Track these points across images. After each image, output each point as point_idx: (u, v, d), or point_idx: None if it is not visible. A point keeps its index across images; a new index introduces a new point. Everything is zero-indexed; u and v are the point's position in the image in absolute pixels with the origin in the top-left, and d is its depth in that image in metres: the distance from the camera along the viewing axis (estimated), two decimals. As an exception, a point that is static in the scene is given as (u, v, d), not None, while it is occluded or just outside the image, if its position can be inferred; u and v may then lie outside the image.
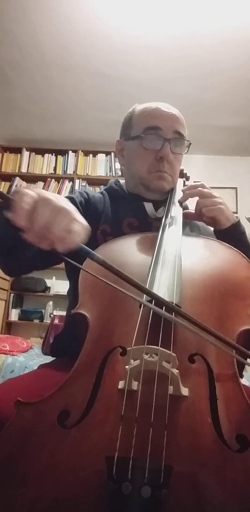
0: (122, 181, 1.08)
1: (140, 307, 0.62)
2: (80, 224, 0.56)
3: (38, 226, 0.51)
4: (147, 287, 0.63)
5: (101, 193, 1.05)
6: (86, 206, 0.98)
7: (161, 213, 0.95)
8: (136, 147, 0.96)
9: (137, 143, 0.96)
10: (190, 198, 0.94)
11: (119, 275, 0.54)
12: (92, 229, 0.91)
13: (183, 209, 0.95)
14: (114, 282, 0.56)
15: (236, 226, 0.89)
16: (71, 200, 0.95)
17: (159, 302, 0.57)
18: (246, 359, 0.58)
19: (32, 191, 0.54)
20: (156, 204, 0.97)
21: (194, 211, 0.92)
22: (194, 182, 1.06)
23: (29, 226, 0.52)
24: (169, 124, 0.94)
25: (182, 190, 0.96)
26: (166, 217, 0.89)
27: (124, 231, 0.92)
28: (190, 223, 1.01)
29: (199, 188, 0.91)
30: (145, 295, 0.60)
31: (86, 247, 0.55)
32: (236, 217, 0.92)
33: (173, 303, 0.60)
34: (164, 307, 0.57)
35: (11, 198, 0.52)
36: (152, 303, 0.60)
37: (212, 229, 0.97)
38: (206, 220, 0.90)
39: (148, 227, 0.93)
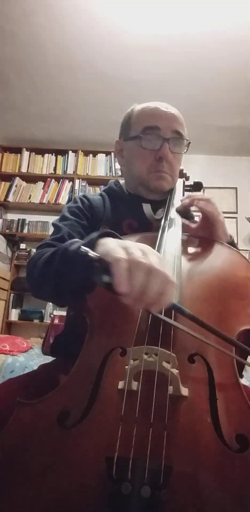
0: (122, 182, 1.08)
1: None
2: (170, 282, 0.53)
3: (135, 291, 0.50)
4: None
5: (101, 194, 1.05)
6: (90, 210, 0.98)
7: (159, 214, 0.95)
8: (135, 147, 0.96)
9: (136, 143, 0.95)
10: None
11: (208, 328, 0.54)
12: (93, 231, 0.92)
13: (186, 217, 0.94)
14: None
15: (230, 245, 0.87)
16: (78, 208, 0.96)
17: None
18: (245, 360, 0.58)
19: (117, 248, 0.53)
20: (155, 205, 0.97)
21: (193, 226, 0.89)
22: (193, 186, 1.06)
23: (128, 293, 0.50)
24: (168, 124, 0.93)
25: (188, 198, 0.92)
26: (166, 217, 0.89)
27: (124, 232, 0.92)
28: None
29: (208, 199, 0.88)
30: None
31: (177, 304, 0.55)
32: (230, 236, 0.90)
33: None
34: (163, 311, 0.57)
35: (109, 263, 0.51)
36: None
37: None
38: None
39: (147, 228, 0.93)
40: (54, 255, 0.72)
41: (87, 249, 0.54)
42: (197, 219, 0.94)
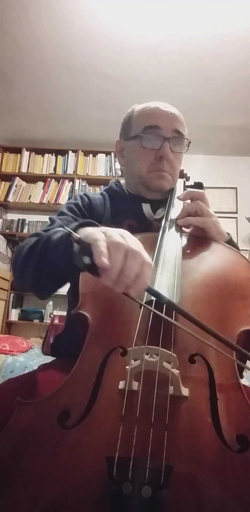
0: (122, 182, 1.08)
1: (141, 308, 0.62)
2: (148, 264, 0.54)
3: (114, 271, 0.51)
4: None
5: (102, 194, 1.05)
6: (89, 209, 0.98)
7: (159, 214, 0.95)
8: (135, 146, 0.96)
9: (137, 143, 0.95)
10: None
11: (189, 318, 0.55)
12: None
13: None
14: None
15: (228, 243, 0.85)
16: (76, 205, 0.97)
17: (159, 296, 0.57)
18: (245, 362, 0.58)
19: (97, 232, 0.54)
20: (155, 205, 0.97)
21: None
22: (193, 186, 1.06)
23: (108, 270, 0.51)
24: (168, 123, 0.94)
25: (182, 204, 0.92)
26: (166, 217, 0.89)
27: None
28: None
29: (199, 203, 0.86)
30: (145, 293, 0.60)
31: (154, 288, 0.56)
32: (228, 234, 0.89)
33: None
34: (164, 309, 0.57)
35: (89, 244, 0.52)
36: (151, 304, 0.60)
37: None
38: (194, 232, 0.87)
39: (147, 228, 0.93)
40: (38, 242, 0.75)
41: (70, 230, 0.55)
42: None
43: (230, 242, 0.86)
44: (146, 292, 0.60)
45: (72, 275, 0.69)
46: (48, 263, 0.71)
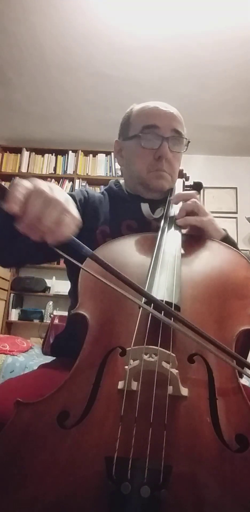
0: (122, 182, 1.08)
1: (140, 308, 0.62)
2: (71, 216, 0.55)
3: (29, 216, 0.52)
4: (146, 287, 0.64)
5: (102, 193, 1.05)
6: (85, 205, 0.98)
7: (158, 213, 0.95)
8: (134, 146, 0.96)
9: (135, 143, 0.95)
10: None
11: (113, 273, 0.55)
12: (91, 228, 0.92)
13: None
14: (114, 283, 0.56)
15: (225, 240, 0.86)
16: (72, 197, 0.96)
17: (157, 304, 0.57)
18: (243, 368, 0.57)
19: (28, 182, 0.54)
20: (154, 204, 0.97)
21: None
22: (192, 186, 1.06)
23: (21, 216, 0.52)
24: (167, 123, 0.93)
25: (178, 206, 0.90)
26: (165, 217, 0.89)
27: (123, 233, 0.92)
28: None
29: (195, 202, 0.86)
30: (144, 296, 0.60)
31: (76, 240, 0.55)
32: (224, 230, 0.90)
33: (172, 303, 0.60)
34: (163, 312, 0.57)
35: (5, 188, 0.52)
36: (150, 305, 0.60)
37: None
38: (192, 231, 0.87)
39: (146, 228, 0.93)
40: None
41: None
42: None
43: (227, 238, 0.86)
44: (146, 289, 0.60)
45: (14, 242, 0.69)
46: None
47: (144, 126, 0.94)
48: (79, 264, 0.59)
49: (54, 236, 0.54)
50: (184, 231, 0.87)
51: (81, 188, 1.04)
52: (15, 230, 0.54)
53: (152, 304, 0.60)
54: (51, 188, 0.55)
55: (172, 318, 0.57)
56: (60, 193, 0.55)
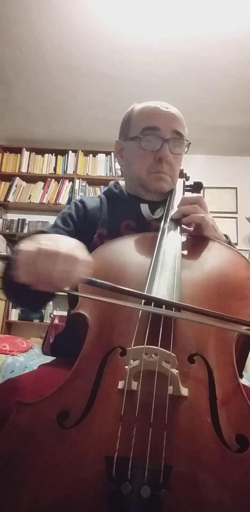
0: (122, 183, 1.08)
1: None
2: (80, 261, 0.58)
3: (41, 278, 0.55)
4: (146, 287, 0.64)
5: (99, 197, 1.05)
6: (84, 216, 0.99)
7: (158, 214, 0.94)
8: (134, 148, 0.96)
9: (136, 144, 0.95)
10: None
11: (130, 294, 0.58)
12: (89, 234, 0.93)
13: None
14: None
15: None
16: (69, 215, 0.98)
17: (158, 300, 0.58)
18: (245, 362, 0.58)
19: (31, 244, 0.57)
20: (154, 205, 0.97)
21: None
22: (193, 186, 1.06)
23: (34, 280, 0.55)
24: (168, 124, 0.93)
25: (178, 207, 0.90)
26: (166, 217, 0.89)
27: (122, 233, 0.92)
28: None
29: (196, 206, 0.86)
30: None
31: (92, 279, 0.59)
32: (226, 236, 0.90)
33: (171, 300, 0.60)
34: (164, 306, 0.57)
35: (11, 258, 0.56)
36: (151, 305, 0.60)
37: None
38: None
39: (146, 228, 0.93)
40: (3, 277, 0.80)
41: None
42: None
43: (229, 245, 0.86)
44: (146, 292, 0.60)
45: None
46: (15, 298, 0.79)
47: (145, 128, 0.93)
48: (98, 298, 0.61)
49: (71, 284, 0.58)
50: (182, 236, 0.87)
51: (77, 199, 1.05)
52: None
53: (152, 304, 0.60)
54: (55, 240, 0.58)
55: (174, 309, 0.58)
56: (64, 242, 0.59)
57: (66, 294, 0.64)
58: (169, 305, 0.59)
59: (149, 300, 0.60)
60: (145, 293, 0.62)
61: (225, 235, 0.91)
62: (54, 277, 0.55)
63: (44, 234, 0.65)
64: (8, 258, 0.58)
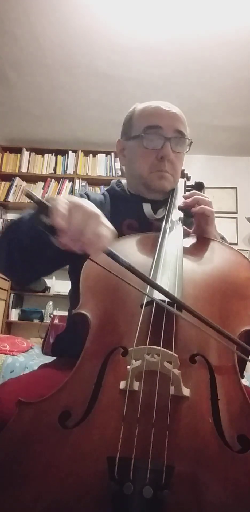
0: (124, 182, 1.08)
1: (142, 308, 0.62)
2: (108, 228, 0.58)
3: (72, 229, 0.54)
4: (148, 287, 0.64)
5: (103, 194, 1.05)
6: None
7: (160, 214, 0.94)
8: (136, 146, 0.96)
9: (138, 143, 0.95)
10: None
11: (143, 278, 0.58)
12: None
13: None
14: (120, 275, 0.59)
15: None
16: None
17: (163, 291, 0.58)
18: (248, 356, 0.58)
19: (62, 199, 0.57)
20: (156, 205, 0.97)
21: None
22: (194, 186, 1.06)
23: (66, 230, 0.54)
24: (170, 123, 0.93)
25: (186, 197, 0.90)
26: (167, 217, 0.88)
27: (124, 232, 0.92)
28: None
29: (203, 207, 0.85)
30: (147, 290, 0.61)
31: (113, 251, 0.58)
32: (222, 238, 0.92)
33: (174, 303, 0.60)
34: (166, 301, 0.58)
35: (48, 205, 0.55)
36: (152, 304, 0.60)
37: None
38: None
39: (148, 227, 0.93)
40: (9, 226, 0.79)
41: (30, 191, 0.57)
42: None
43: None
44: (147, 290, 0.60)
45: (42, 257, 0.72)
46: (18, 242, 0.74)
47: (147, 127, 0.93)
48: (116, 275, 0.61)
49: (95, 247, 0.56)
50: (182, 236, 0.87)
51: (81, 191, 1.05)
52: (41, 247, 0.59)
53: (154, 304, 0.60)
54: (86, 202, 0.58)
55: (175, 307, 0.58)
56: (95, 207, 0.58)
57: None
58: (175, 302, 0.59)
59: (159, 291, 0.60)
60: (147, 293, 0.62)
61: (222, 237, 0.92)
62: (84, 233, 0.55)
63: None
64: (41, 203, 0.56)
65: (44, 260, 0.78)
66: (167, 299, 0.59)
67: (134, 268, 0.57)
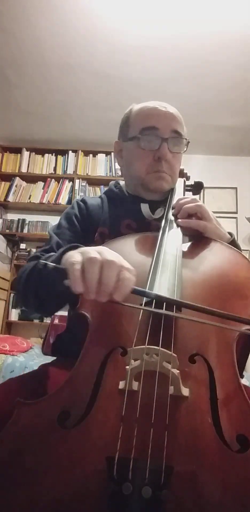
0: (122, 183, 1.08)
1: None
2: (127, 269, 0.58)
3: (91, 286, 0.55)
4: (147, 287, 0.64)
5: (100, 197, 1.05)
6: (86, 215, 0.99)
7: (158, 213, 0.95)
8: (133, 147, 0.96)
9: (135, 144, 0.95)
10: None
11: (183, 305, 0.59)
12: (91, 234, 0.93)
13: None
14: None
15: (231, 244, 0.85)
16: (73, 214, 0.98)
17: (158, 298, 0.59)
18: (246, 361, 0.58)
19: (79, 254, 0.59)
20: (154, 205, 0.97)
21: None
22: (193, 185, 1.06)
23: (86, 289, 0.56)
24: (166, 123, 0.93)
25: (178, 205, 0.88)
26: (166, 217, 0.88)
27: (122, 233, 0.92)
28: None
29: (199, 205, 0.85)
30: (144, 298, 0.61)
31: (139, 288, 0.59)
32: (231, 234, 0.89)
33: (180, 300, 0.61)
34: (164, 306, 0.57)
35: (65, 269, 0.58)
36: (150, 306, 0.60)
37: None
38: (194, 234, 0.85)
39: (146, 228, 0.93)
40: (34, 268, 0.80)
41: (44, 261, 0.62)
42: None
43: (233, 243, 0.85)
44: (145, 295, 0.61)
45: (70, 297, 0.73)
46: (45, 289, 0.76)
47: (143, 128, 0.93)
48: (138, 307, 0.61)
49: (121, 291, 0.56)
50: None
51: (78, 199, 1.05)
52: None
53: (153, 305, 0.60)
54: (100, 251, 0.58)
55: (174, 308, 0.58)
56: (109, 252, 0.59)
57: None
58: (173, 304, 0.59)
59: (151, 299, 0.60)
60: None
61: (229, 233, 0.90)
62: (104, 284, 0.55)
63: (74, 248, 0.66)
64: (60, 269, 0.59)
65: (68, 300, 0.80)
66: (164, 312, 0.59)
67: (162, 297, 0.58)
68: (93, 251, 0.58)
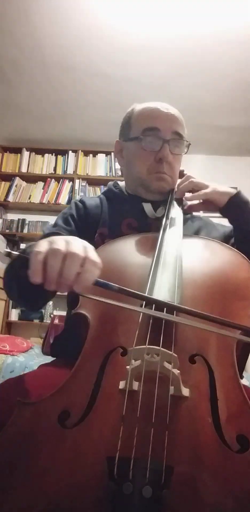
0: (121, 183, 1.08)
1: (141, 308, 0.61)
2: (90, 261, 0.57)
3: (51, 277, 0.54)
4: (147, 288, 0.64)
5: (99, 197, 1.05)
6: (85, 216, 0.99)
7: (160, 212, 0.95)
8: (134, 148, 0.96)
9: (136, 144, 0.95)
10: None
11: (136, 296, 0.58)
12: (90, 234, 0.93)
13: (183, 205, 0.96)
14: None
15: (236, 197, 0.89)
16: (70, 215, 0.98)
17: (161, 305, 0.58)
18: (245, 361, 0.58)
19: (44, 243, 0.57)
20: (155, 204, 0.97)
21: (195, 203, 0.95)
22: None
23: (45, 279, 0.55)
24: (168, 125, 0.93)
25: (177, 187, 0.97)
26: (166, 218, 0.89)
27: (123, 232, 0.92)
28: (192, 218, 1.03)
29: (191, 180, 0.92)
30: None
31: (101, 280, 0.58)
32: (236, 188, 0.92)
33: (173, 303, 0.60)
34: (165, 309, 0.57)
35: (25, 257, 0.56)
36: (152, 308, 0.60)
37: (214, 221, 1.03)
38: (205, 208, 0.93)
39: (147, 227, 0.93)
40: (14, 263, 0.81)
41: (9, 250, 0.60)
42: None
43: (238, 196, 0.90)
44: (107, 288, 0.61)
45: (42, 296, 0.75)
46: (20, 280, 0.76)
47: (145, 128, 0.94)
48: (100, 299, 0.61)
49: (81, 284, 0.56)
50: (196, 214, 0.91)
51: (77, 199, 1.05)
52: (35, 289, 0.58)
53: (153, 307, 0.60)
54: (67, 242, 0.57)
55: (175, 313, 0.58)
56: (76, 244, 0.58)
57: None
58: (174, 308, 0.59)
59: (156, 304, 0.60)
60: (146, 294, 0.62)
61: (235, 188, 0.93)
62: (64, 276, 0.54)
63: (54, 236, 0.64)
64: (23, 258, 0.57)
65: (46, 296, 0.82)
66: (163, 315, 0.58)
67: (126, 290, 0.57)
68: (61, 241, 0.57)
